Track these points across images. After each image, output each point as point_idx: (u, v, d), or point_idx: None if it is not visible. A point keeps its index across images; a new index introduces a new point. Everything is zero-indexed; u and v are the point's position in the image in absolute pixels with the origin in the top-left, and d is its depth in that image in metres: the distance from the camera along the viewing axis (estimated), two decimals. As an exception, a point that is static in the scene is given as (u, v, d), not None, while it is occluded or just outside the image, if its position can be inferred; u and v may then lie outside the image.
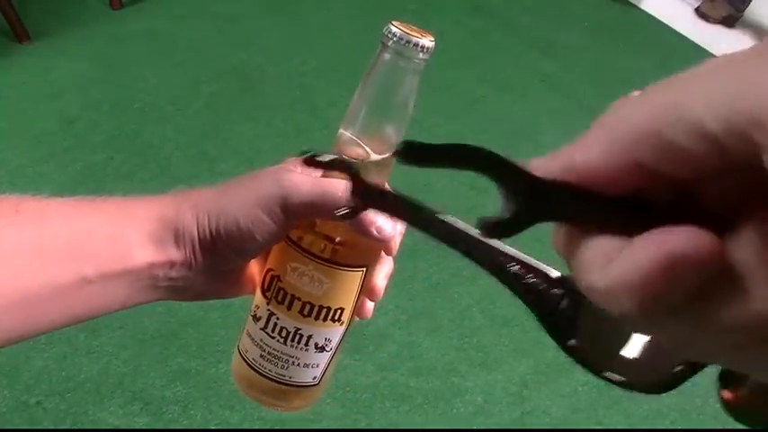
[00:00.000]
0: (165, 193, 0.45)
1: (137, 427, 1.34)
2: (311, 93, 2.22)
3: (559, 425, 1.49)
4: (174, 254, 0.42)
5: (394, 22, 0.42)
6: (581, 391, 1.56)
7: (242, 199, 0.41)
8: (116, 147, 1.94)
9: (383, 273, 0.48)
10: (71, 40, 2.28)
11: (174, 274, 0.43)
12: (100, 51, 2.26)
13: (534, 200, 0.21)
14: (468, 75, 2.39)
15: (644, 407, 1.55)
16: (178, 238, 0.42)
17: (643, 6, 3.17)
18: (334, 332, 0.47)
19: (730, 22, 3.18)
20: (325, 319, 0.46)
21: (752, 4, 3.17)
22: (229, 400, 1.40)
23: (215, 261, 0.43)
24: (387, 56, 0.42)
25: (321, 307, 0.45)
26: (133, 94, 2.11)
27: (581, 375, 1.59)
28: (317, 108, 2.16)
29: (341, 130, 0.43)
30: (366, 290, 0.48)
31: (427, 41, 0.42)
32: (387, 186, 0.44)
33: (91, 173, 1.86)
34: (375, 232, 0.42)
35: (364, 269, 0.46)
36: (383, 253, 0.48)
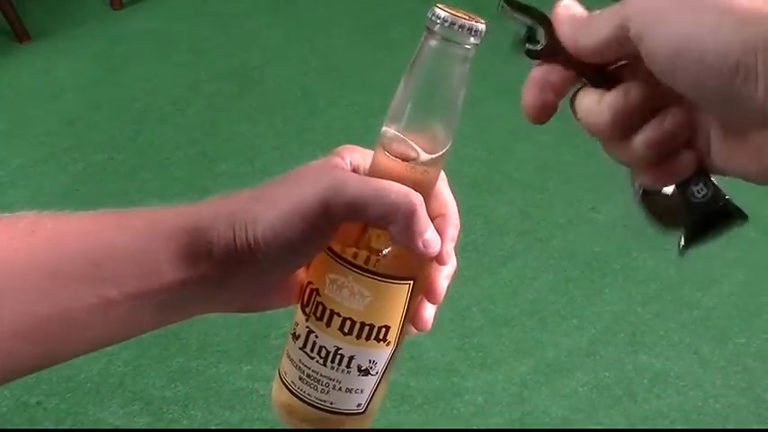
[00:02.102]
0: (200, 199, 0.41)
1: (137, 427, 1.34)
2: (311, 93, 2.22)
3: (559, 425, 1.49)
4: (209, 269, 0.39)
5: (439, 5, 0.38)
6: (581, 391, 1.55)
7: (281, 205, 0.37)
8: (116, 147, 1.94)
9: (445, 272, 0.43)
10: (71, 40, 2.28)
11: (210, 290, 0.40)
12: (100, 51, 2.26)
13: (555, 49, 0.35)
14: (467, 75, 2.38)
15: (644, 407, 1.55)
16: (213, 251, 0.38)
17: (643, 6, 3.17)
18: (380, 353, 0.42)
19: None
20: (368, 338, 0.41)
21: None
22: (229, 400, 1.40)
23: (255, 274, 0.40)
24: (433, 42, 0.38)
25: (363, 324, 0.41)
26: (133, 94, 2.11)
27: (581, 375, 1.60)
28: (317, 108, 2.16)
29: (384, 128, 0.40)
30: (422, 295, 0.43)
31: (478, 24, 0.38)
32: (438, 185, 0.42)
33: (91, 173, 1.86)
34: (421, 246, 0.38)
35: (411, 282, 0.41)
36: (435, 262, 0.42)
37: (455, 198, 0.42)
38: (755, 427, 1.55)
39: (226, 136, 2.02)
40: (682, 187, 0.33)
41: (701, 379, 1.61)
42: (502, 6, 0.35)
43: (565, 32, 0.34)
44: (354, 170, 0.40)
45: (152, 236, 0.39)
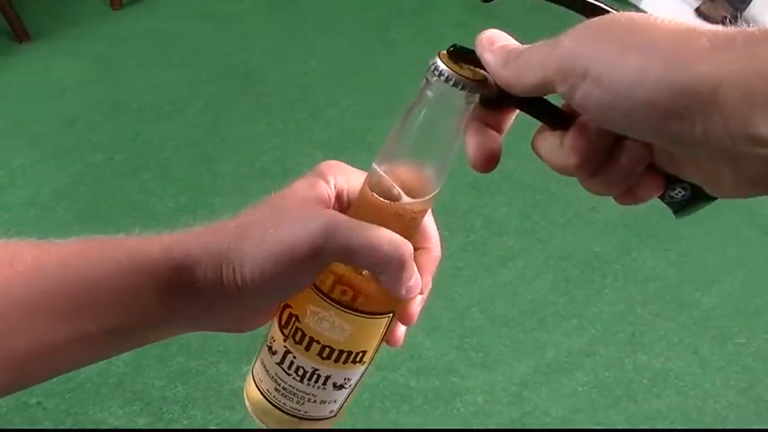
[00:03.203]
0: (181, 228, 0.40)
1: (137, 427, 1.34)
2: (311, 93, 2.22)
3: (559, 425, 1.49)
4: (194, 304, 0.38)
5: (443, 52, 0.36)
6: (581, 391, 1.55)
7: (269, 246, 0.36)
8: (116, 147, 1.94)
9: (419, 300, 0.43)
10: (71, 40, 2.28)
11: (193, 322, 0.40)
12: (100, 51, 2.26)
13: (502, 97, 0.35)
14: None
15: (644, 407, 1.55)
16: (198, 288, 0.38)
17: (643, 6, 3.17)
18: (355, 372, 0.44)
19: (731, 22, 3.18)
20: (345, 362, 0.43)
21: (752, 4, 3.17)
22: (229, 400, 1.40)
23: (241, 307, 0.40)
24: (430, 94, 0.36)
25: (342, 351, 0.42)
26: (133, 94, 2.11)
27: (581, 375, 1.60)
28: (317, 108, 2.16)
29: (375, 166, 0.39)
30: (396, 319, 0.44)
31: (478, 80, 0.36)
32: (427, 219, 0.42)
33: (91, 173, 1.86)
34: (404, 293, 0.38)
35: (390, 315, 0.42)
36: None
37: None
38: (755, 427, 1.55)
39: (226, 136, 2.02)
40: (659, 197, 0.35)
41: (701, 379, 1.61)
42: (449, 53, 0.35)
43: (494, 72, 0.33)
44: (338, 195, 0.40)
45: (135, 270, 0.38)
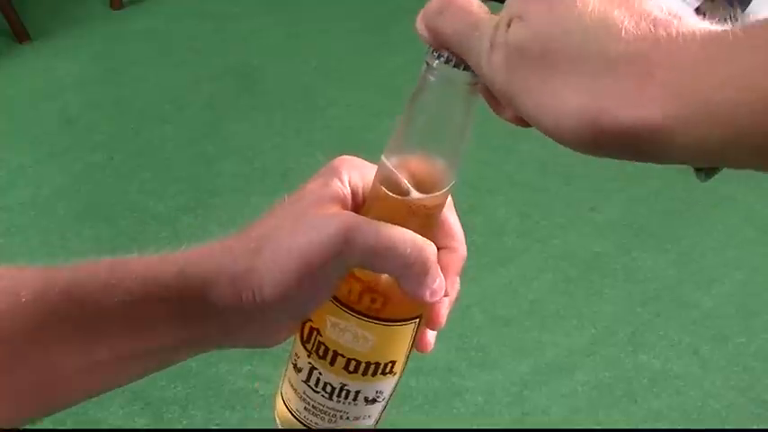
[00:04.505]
0: (194, 245, 0.38)
1: (137, 426, 1.34)
2: (311, 93, 2.22)
3: (559, 425, 1.49)
4: (211, 327, 0.37)
5: None
6: (581, 391, 1.55)
7: (287, 261, 0.34)
8: (116, 147, 1.94)
9: (448, 301, 0.41)
10: (71, 40, 2.28)
11: (211, 343, 0.38)
12: (100, 51, 2.26)
13: None
14: (468, 75, 2.38)
15: (644, 407, 1.55)
16: (217, 312, 0.36)
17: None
18: (387, 384, 0.41)
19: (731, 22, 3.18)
20: (374, 374, 0.40)
21: (752, 4, 3.17)
22: (229, 400, 1.40)
23: (261, 327, 0.38)
24: (432, 79, 0.34)
25: (369, 363, 0.39)
26: (133, 94, 2.11)
27: (581, 375, 1.60)
28: (317, 108, 2.16)
29: (386, 160, 0.36)
30: (424, 324, 0.41)
31: None
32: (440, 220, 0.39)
33: (91, 173, 1.86)
34: (428, 296, 0.36)
35: (416, 320, 0.40)
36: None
37: (455, 198, 0.41)
38: (755, 427, 1.55)
39: (226, 136, 2.02)
40: None
41: (701, 379, 1.61)
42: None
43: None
44: (354, 192, 0.38)
45: (146, 298, 0.36)
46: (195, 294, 0.36)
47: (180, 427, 1.36)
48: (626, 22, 0.25)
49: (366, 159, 0.40)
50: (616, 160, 0.31)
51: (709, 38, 0.25)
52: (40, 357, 0.35)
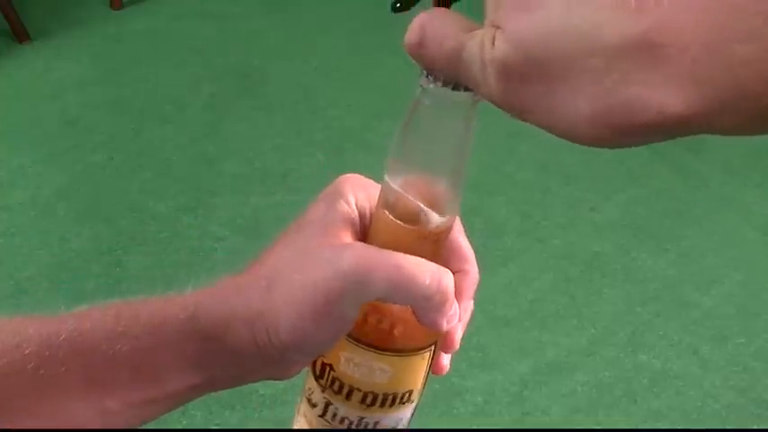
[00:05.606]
0: (201, 286, 0.37)
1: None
2: (312, 93, 2.22)
3: (559, 425, 1.49)
4: (224, 371, 0.36)
5: None
6: (581, 391, 1.55)
7: (301, 300, 0.33)
8: (116, 147, 1.94)
9: (460, 327, 0.40)
10: (71, 40, 2.28)
11: (222, 386, 0.37)
12: (100, 51, 2.26)
13: None
14: (468, 75, 2.38)
15: (644, 407, 1.55)
16: (232, 354, 0.35)
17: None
18: (405, 412, 0.41)
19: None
20: (392, 405, 0.39)
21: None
22: (229, 400, 1.40)
23: (272, 367, 0.36)
24: (430, 102, 0.32)
25: (386, 395, 0.38)
26: (133, 94, 2.11)
27: (581, 375, 1.60)
28: (317, 108, 2.16)
29: (389, 183, 0.35)
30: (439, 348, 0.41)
31: None
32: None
33: (91, 173, 1.86)
34: (445, 325, 0.35)
35: (432, 346, 0.39)
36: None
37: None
38: (755, 427, 1.55)
39: (226, 136, 2.02)
40: None
41: (701, 379, 1.61)
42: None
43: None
44: (361, 216, 0.36)
45: (155, 345, 0.35)
46: (208, 340, 0.35)
47: (180, 427, 1.36)
48: (615, 3, 0.22)
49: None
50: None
51: None
52: (47, 409, 0.34)
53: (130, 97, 2.10)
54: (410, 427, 0.43)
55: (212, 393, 0.38)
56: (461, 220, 0.41)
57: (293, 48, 2.40)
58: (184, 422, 1.36)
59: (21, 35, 2.20)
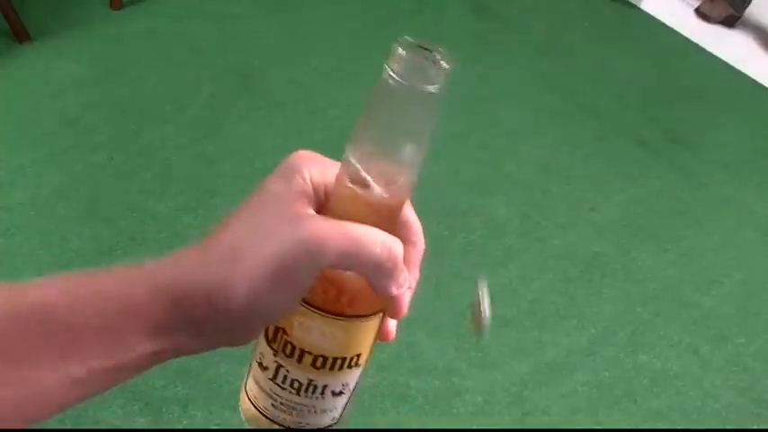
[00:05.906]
0: (170, 253, 0.38)
1: (137, 426, 1.34)
2: (312, 93, 2.22)
3: (559, 425, 1.49)
4: (186, 338, 0.37)
5: (401, 40, 0.35)
6: (581, 391, 1.56)
7: (259, 267, 0.35)
8: (116, 147, 1.94)
9: (408, 294, 0.41)
10: (71, 41, 2.28)
11: (186, 351, 0.39)
12: (100, 51, 2.26)
13: None
14: (468, 75, 2.38)
15: (644, 407, 1.55)
16: (188, 324, 0.37)
17: (643, 6, 3.17)
18: (352, 376, 0.43)
19: (730, 22, 3.18)
20: (341, 368, 0.41)
21: (752, 4, 3.17)
22: (229, 400, 1.40)
23: (229, 333, 0.38)
24: (391, 82, 0.35)
25: (336, 358, 0.41)
26: (133, 94, 2.11)
27: (581, 375, 1.60)
28: (317, 108, 2.16)
29: (349, 157, 0.37)
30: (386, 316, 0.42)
31: (441, 65, 0.35)
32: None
33: (91, 173, 1.86)
34: (395, 291, 0.38)
35: (381, 313, 0.41)
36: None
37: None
38: (755, 427, 1.55)
39: (226, 136, 2.03)
40: None
41: (701, 379, 1.61)
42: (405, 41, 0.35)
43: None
44: (315, 189, 0.38)
45: (120, 313, 0.36)
46: (171, 308, 0.36)
47: (180, 427, 1.36)
48: None
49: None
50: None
51: None
52: (15, 374, 0.35)
53: (130, 97, 2.10)
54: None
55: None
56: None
57: (293, 48, 2.40)
58: (184, 422, 1.36)
59: (21, 35, 2.20)
